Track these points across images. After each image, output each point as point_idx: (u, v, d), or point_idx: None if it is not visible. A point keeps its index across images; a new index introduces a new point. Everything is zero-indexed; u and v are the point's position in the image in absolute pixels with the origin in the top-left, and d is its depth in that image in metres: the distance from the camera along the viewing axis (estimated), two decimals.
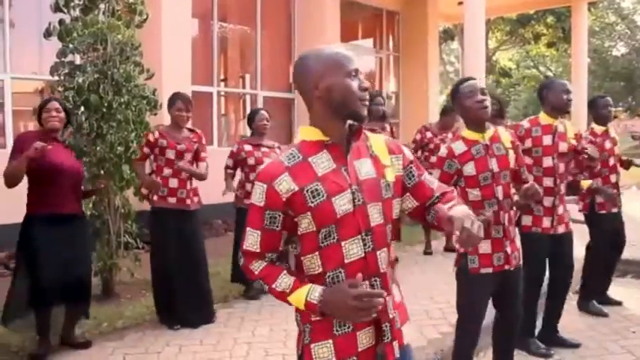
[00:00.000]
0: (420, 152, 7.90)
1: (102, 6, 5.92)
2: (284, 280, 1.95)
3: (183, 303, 5.22)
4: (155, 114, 6.08)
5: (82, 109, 5.62)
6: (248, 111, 11.10)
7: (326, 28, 11.57)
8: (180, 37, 9.12)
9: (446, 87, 27.54)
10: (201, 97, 10.03)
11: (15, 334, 4.68)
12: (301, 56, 2.04)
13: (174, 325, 5.17)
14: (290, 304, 1.98)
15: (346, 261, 1.90)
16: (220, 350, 4.71)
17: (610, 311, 5.49)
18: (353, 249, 1.90)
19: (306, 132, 2.00)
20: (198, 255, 5.37)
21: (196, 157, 5.43)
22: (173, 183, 5.28)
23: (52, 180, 4.46)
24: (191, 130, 5.48)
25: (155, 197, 5.29)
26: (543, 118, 4.44)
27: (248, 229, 1.97)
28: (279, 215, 1.93)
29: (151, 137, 5.32)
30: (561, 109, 4.40)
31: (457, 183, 3.51)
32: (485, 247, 3.45)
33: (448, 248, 7.84)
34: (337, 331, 1.94)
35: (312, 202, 1.89)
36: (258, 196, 1.94)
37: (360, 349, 1.94)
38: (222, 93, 11.24)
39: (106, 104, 5.61)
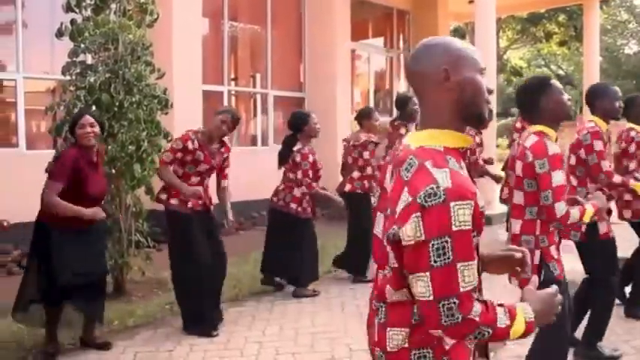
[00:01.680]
0: None
1: (113, 6, 5.96)
2: (501, 314, 1.62)
3: (209, 305, 5.15)
4: (166, 113, 6.11)
5: (94, 108, 5.64)
6: (259, 110, 11.17)
7: (336, 27, 11.57)
8: (190, 37, 9.14)
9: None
10: (212, 96, 10.06)
11: (28, 331, 4.74)
12: (427, 43, 1.76)
13: (212, 333, 5.01)
14: (504, 339, 1.68)
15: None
16: (231, 349, 4.72)
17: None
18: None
19: (447, 137, 1.69)
20: (224, 256, 5.29)
21: (220, 170, 5.33)
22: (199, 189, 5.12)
23: (84, 204, 4.45)
24: (221, 143, 5.31)
25: (175, 201, 5.06)
26: (599, 123, 4.35)
27: (461, 264, 1.55)
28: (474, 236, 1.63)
29: (190, 145, 5.03)
30: (614, 116, 4.41)
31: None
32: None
33: None
34: None
35: (483, 218, 1.67)
36: (466, 217, 1.55)
37: None
38: (233, 92, 11.25)
39: (117, 103, 5.64)
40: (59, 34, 5.84)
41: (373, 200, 6.20)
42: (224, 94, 10.57)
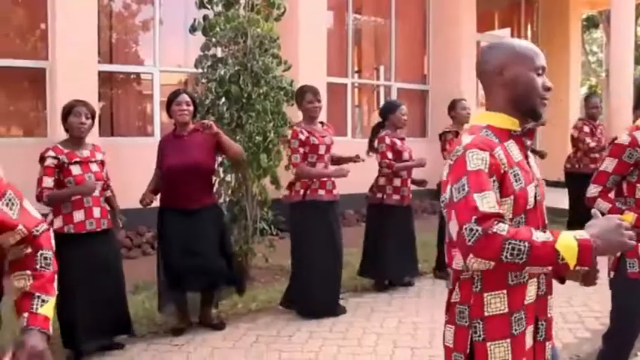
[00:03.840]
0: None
1: (242, 1, 6.15)
2: (537, 231, 1.67)
3: (329, 293, 5.29)
4: (292, 104, 6.23)
5: (223, 99, 5.87)
6: (382, 102, 11.14)
7: (462, 18, 11.32)
8: (316, 30, 9.28)
9: (587, 78, 26.06)
10: (336, 88, 10.16)
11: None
12: (491, 44, 2.03)
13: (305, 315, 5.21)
14: (553, 260, 1.63)
15: None
16: (349, 339, 4.76)
17: None
18: None
19: (495, 118, 1.93)
20: (341, 244, 5.39)
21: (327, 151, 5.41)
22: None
23: (173, 182, 4.67)
24: (322, 123, 5.44)
25: (308, 191, 5.20)
26: None
27: (477, 193, 1.70)
28: (497, 187, 1.78)
29: (302, 136, 5.13)
30: None
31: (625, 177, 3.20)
32: None
33: None
34: (515, 330, 1.84)
35: (517, 186, 1.81)
36: (479, 161, 1.75)
37: (526, 348, 1.88)
38: (357, 84, 11.31)
39: (245, 95, 5.83)
40: (192, 29, 6.12)
41: None
42: (348, 86, 10.65)
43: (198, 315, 5.01)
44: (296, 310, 5.29)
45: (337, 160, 5.56)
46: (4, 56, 7.56)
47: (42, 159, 4.22)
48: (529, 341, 1.88)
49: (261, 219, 6.29)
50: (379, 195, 5.95)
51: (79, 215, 4.23)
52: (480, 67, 2.00)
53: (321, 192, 5.20)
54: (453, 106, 6.58)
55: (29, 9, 8.12)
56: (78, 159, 4.26)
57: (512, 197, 1.79)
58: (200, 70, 6.11)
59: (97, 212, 4.31)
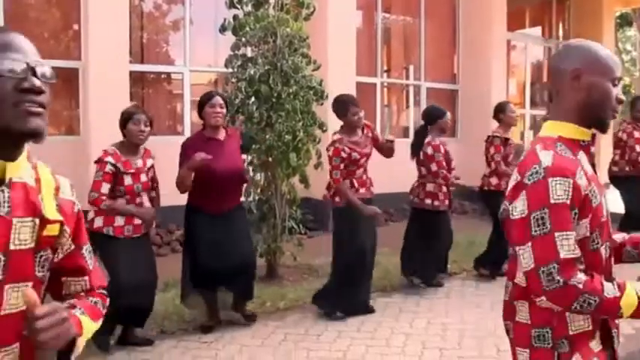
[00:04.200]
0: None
1: (272, 0, 6.18)
2: (608, 285, 1.68)
3: (364, 292, 5.34)
4: (321, 104, 6.24)
5: (253, 99, 5.90)
6: (411, 102, 11.11)
7: (492, 16, 11.21)
8: (345, 29, 9.28)
9: (620, 77, 25.62)
10: (365, 88, 10.14)
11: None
12: (569, 43, 1.95)
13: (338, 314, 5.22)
14: (614, 313, 1.70)
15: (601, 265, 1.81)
16: (377, 338, 4.76)
17: None
18: (604, 254, 1.82)
19: (565, 128, 1.84)
20: (376, 244, 5.40)
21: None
22: (364, 177, 5.27)
23: (212, 186, 4.68)
24: (364, 127, 5.35)
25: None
26: None
27: (559, 233, 1.67)
28: (577, 216, 1.73)
29: (344, 154, 5.08)
30: None
31: None
32: None
33: None
34: (595, 347, 1.82)
35: (594, 203, 1.76)
36: (563, 193, 1.68)
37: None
38: (386, 84, 11.28)
39: (275, 94, 5.85)
40: (222, 29, 6.16)
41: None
42: (377, 85, 10.62)
43: (231, 305, 5.05)
44: (328, 309, 5.27)
45: (379, 148, 5.50)
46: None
47: (100, 162, 4.28)
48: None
49: (289, 217, 6.31)
50: (428, 201, 5.94)
51: (120, 220, 4.30)
52: (554, 68, 1.91)
53: (362, 190, 5.24)
54: (502, 109, 6.51)
55: (63, 10, 8.26)
56: (132, 170, 4.34)
57: (589, 216, 1.76)
58: (230, 70, 6.14)
59: (137, 219, 4.36)
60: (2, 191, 1.35)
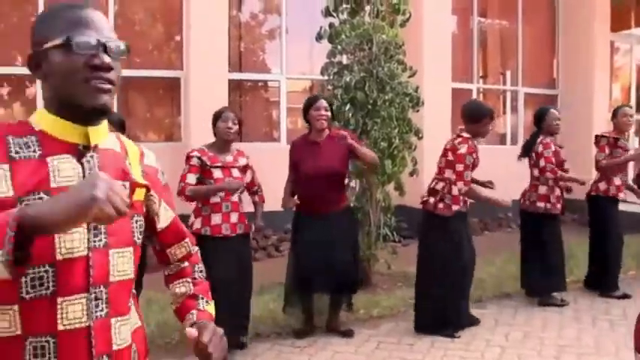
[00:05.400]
0: None
1: (367, 8, 6.20)
2: None
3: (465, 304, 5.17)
4: (417, 111, 6.20)
5: (349, 106, 5.93)
6: (508, 108, 10.85)
7: (594, 17, 10.74)
8: (440, 35, 9.18)
9: None
10: (461, 94, 9.96)
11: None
12: None
13: (455, 334, 5.00)
14: None
15: None
16: (472, 350, 4.66)
17: None
18: None
19: None
20: (474, 255, 5.22)
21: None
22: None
23: (315, 188, 4.72)
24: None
25: (456, 207, 4.95)
26: None
27: None
28: None
29: (475, 155, 4.90)
30: None
31: None
32: None
33: None
34: None
35: None
36: None
37: None
38: (482, 90, 11.05)
39: (371, 101, 5.87)
40: (319, 37, 6.23)
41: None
42: (473, 91, 10.43)
43: (326, 321, 5.06)
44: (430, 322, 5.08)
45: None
46: (143, 67, 8.07)
47: (188, 158, 4.46)
48: None
49: (384, 225, 6.29)
50: (540, 204, 5.73)
51: (216, 219, 4.40)
52: None
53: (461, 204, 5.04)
54: (615, 113, 6.32)
55: (166, 24, 8.63)
56: (220, 163, 4.45)
57: None
58: (326, 77, 6.21)
59: (234, 217, 4.45)
60: (92, 157, 1.39)
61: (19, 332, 1.30)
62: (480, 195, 5.03)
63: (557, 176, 5.63)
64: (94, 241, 1.36)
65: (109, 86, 1.37)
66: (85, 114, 1.38)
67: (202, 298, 1.65)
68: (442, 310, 4.95)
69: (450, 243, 4.91)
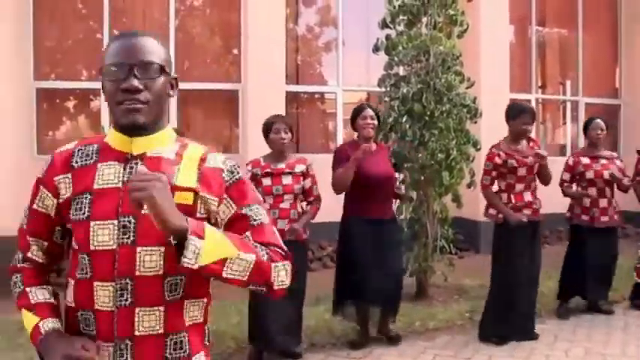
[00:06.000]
0: None
1: (424, 19, 6.20)
2: None
3: (521, 316, 5.07)
4: (475, 122, 6.15)
5: (406, 117, 5.93)
6: (568, 118, 10.62)
7: None
8: (498, 45, 9.08)
9: None
10: None
11: (339, 321, 5.16)
12: None
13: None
14: None
15: None
16: None
17: None
18: None
19: None
20: (539, 267, 5.13)
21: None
22: (527, 196, 5.00)
23: (368, 189, 4.73)
24: (530, 140, 5.10)
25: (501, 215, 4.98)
26: None
27: None
28: None
29: (498, 160, 4.93)
30: None
31: None
32: None
33: None
34: None
35: None
36: None
37: None
38: (540, 100, 10.85)
39: (428, 113, 5.86)
40: (375, 48, 6.27)
41: None
42: (532, 102, 10.25)
43: (377, 326, 5.07)
44: (482, 333, 5.12)
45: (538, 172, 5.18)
46: (202, 80, 8.27)
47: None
48: None
49: (441, 237, 6.26)
50: (585, 217, 5.71)
51: (280, 224, 4.38)
52: None
53: (527, 211, 4.97)
54: None
55: (224, 37, 8.82)
56: (269, 170, 4.51)
57: None
58: (383, 89, 6.23)
59: (281, 224, 4.39)
60: (136, 163, 1.59)
61: (73, 305, 1.62)
62: (495, 203, 4.99)
63: (563, 189, 5.75)
64: (123, 238, 1.55)
65: (139, 106, 1.55)
66: (121, 129, 1.61)
67: (221, 230, 1.59)
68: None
69: (500, 249, 5.01)
